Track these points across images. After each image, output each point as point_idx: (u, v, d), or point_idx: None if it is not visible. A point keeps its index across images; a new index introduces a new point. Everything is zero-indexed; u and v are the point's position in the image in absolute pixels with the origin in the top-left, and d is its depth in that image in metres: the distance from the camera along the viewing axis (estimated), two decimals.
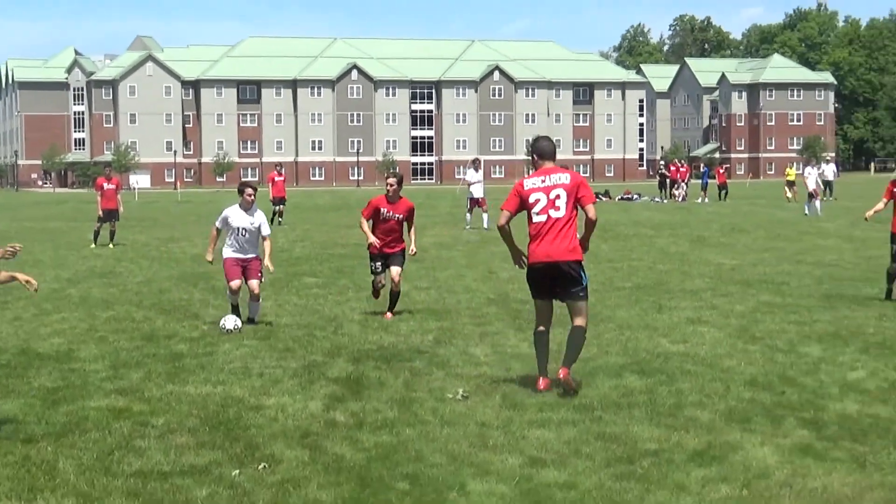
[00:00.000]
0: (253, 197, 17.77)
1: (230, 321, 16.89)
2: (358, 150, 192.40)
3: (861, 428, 10.55)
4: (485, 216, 43.10)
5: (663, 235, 38.10)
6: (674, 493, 8.54)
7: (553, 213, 12.00)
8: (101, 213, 36.33)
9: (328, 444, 10.22)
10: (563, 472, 9.13)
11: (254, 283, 17.58)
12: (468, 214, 44.44)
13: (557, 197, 12.00)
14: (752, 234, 39.28)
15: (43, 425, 10.96)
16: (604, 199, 75.21)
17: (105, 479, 9.06)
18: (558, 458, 9.64)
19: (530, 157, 12.76)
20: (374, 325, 17.68)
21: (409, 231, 18.67)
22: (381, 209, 18.22)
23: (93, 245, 36.04)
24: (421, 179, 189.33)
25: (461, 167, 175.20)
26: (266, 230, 17.89)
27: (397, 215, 18.20)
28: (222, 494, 8.68)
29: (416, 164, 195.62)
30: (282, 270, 26.54)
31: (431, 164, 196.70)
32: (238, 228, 17.55)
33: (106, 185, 36.75)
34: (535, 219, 12.08)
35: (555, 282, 12.28)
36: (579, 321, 12.45)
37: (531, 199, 12.07)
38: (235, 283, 17.53)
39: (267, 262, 17.74)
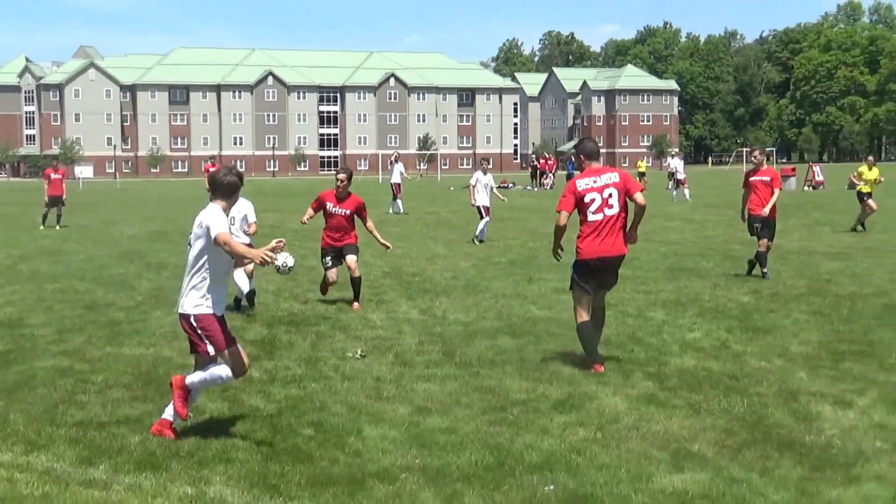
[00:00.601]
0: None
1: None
2: (273, 145, 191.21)
3: (697, 380, 10.71)
4: (399, 202, 44.22)
5: (534, 218, 38.27)
6: (539, 436, 8.61)
7: (608, 212, 11.27)
8: (46, 199, 36.31)
9: (245, 397, 10.18)
10: (445, 419, 9.18)
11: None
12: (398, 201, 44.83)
13: (610, 196, 11.29)
14: None
15: None
16: None
17: (50, 429, 8.96)
18: (442, 407, 9.69)
19: (576, 158, 11.80)
20: (286, 295, 17.58)
21: (364, 225, 16.38)
22: (328, 204, 16.15)
23: (41, 227, 35.80)
24: (327, 170, 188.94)
25: (362, 160, 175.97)
26: (252, 217, 15.86)
27: (345, 211, 16.12)
28: (153, 441, 8.62)
29: (323, 157, 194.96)
30: None
31: (336, 157, 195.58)
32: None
33: (52, 175, 36.69)
34: (592, 217, 11.25)
35: (604, 274, 11.52)
36: (602, 304, 11.79)
37: (587, 199, 11.28)
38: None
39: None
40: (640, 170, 73.16)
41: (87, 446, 8.46)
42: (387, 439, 8.62)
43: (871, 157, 33.35)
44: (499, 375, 11.04)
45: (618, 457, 8.08)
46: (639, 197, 11.36)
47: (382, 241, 16.62)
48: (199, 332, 8.59)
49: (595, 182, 11.28)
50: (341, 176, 16.09)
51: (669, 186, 59.30)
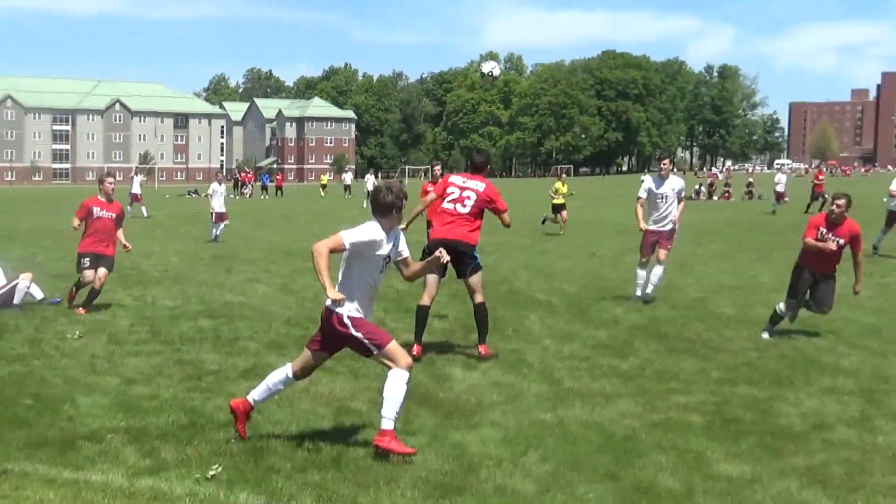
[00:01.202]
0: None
1: None
2: (11, 158, 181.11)
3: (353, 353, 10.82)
4: (131, 207, 42.57)
5: (234, 221, 37.72)
6: (227, 399, 8.40)
7: (460, 208, 10.57)
8: None
9: None
10: (149, 388, 8.96)
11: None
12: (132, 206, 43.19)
13: (468, 197, 10.60)
14: (297, 220, 39.60)
15: None
16: (193, 195, 74.75)
17: None
18: (146, 378, 9.44)
19: (468, 163, 11.14)
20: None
21: (118, 226, 14.13)
22: (95, 209, 13.80)
23: None
24: (59, 180, 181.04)
25: (90, 172, 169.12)
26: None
27: (112, 214, 13.91)
28: None
29: (56, 169, 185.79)
30: None
31: (67, 169, 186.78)
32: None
33: None
34: (445, 205, 10.62)
35: (454, 259, 10.06)
36: (479, 298, 10.74)
37: (448, 190, 10.68)
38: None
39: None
40: (323, 182, 74.26)
41: None
42: (97, 406, 8.31)
43: (564, 175, 32.91)
44: (197, 350, 10.87)
45: (290, 414, 8.12)
46: (505, 217, 10.90)
47: (125, 242, 14.53)
48: (362, 334, 7.35)
49: (462, 182, 10.84)
50: (110, 180, 14.11)
51: (346, 196, 59.58)
